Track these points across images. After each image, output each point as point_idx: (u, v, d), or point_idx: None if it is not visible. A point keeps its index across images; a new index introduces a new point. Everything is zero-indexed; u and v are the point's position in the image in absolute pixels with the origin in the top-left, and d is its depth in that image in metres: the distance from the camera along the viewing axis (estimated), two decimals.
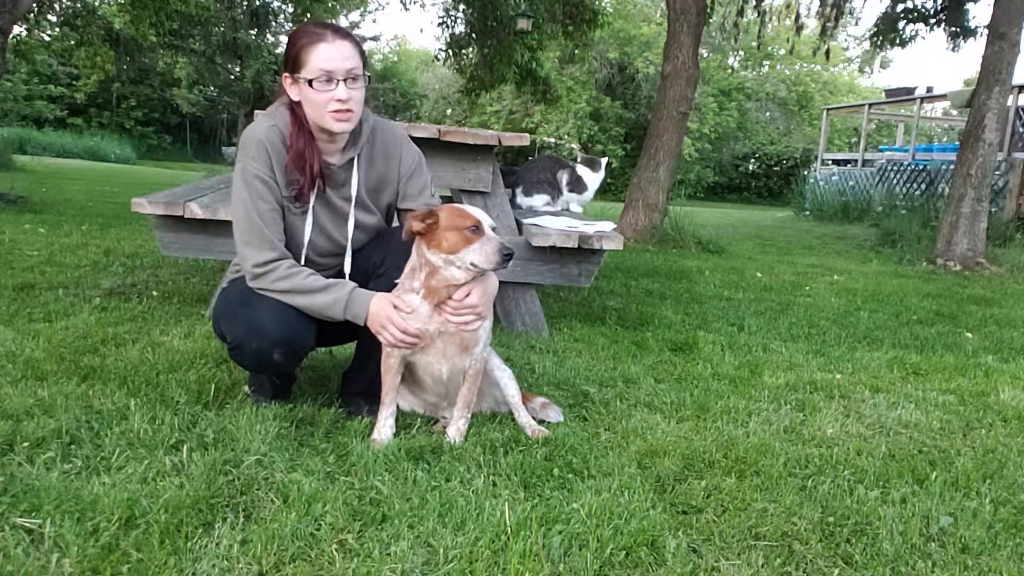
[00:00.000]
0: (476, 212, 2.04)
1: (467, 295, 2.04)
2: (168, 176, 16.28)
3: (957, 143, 9.05)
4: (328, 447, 2.02)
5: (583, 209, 4.71)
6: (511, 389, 2.29)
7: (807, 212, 13.28)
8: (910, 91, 13.97)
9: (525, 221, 3.73)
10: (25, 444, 1.87)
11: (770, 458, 2.12)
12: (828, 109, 16.49)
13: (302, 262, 2.21)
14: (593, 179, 4.60)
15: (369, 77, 2.13)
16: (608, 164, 4.70)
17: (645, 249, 7.27)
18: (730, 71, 30.57)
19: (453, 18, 14.54)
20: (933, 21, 9.90)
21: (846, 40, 32.06)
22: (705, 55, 26.44)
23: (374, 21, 55.49)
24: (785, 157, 29.25)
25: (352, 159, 2.23)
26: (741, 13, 10.29)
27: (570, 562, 1.54)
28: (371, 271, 2.25)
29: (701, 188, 27.04)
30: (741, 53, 30.84)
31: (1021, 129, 10.58)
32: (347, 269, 2.26)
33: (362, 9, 29.34)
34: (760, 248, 8.50)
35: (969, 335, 4.18)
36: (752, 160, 30.20)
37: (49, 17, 15.85)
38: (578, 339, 3.51)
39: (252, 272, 2.10)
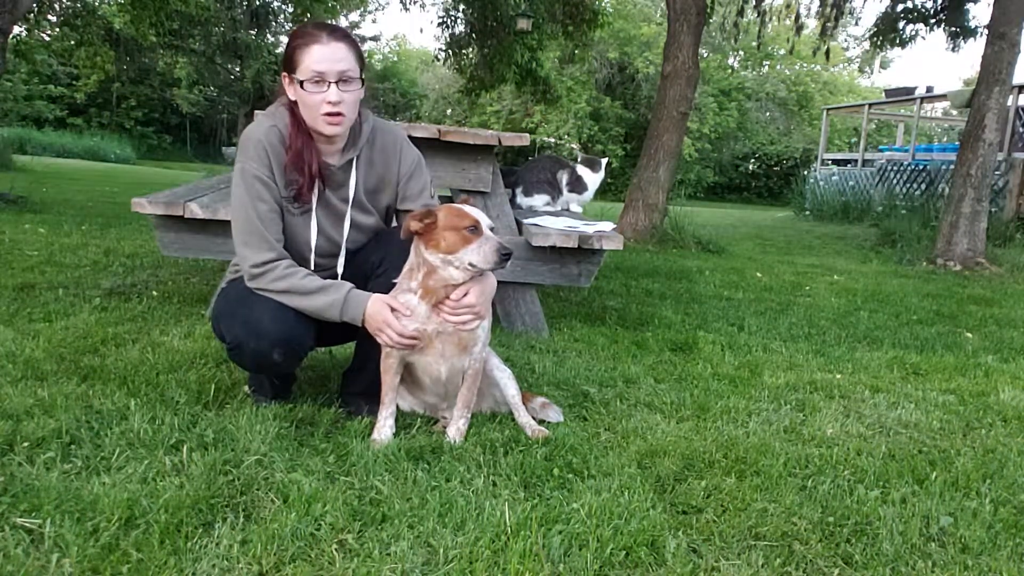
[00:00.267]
0: (474, 212, 2.04)
1: (464, 294, 2.04)
2: (168, 176, 16.28)
3: (957, 143, 9.05)
4: (328, 447, 2.01)
5: (583, 209, 4.71)
6: (511, 389, 2.29)
7: (807, 212, 13.29)
8: (910, 91, 13.98)
9: (525, 221, 3.73)
10: (25, 444, 1.87)
11: (770, 458, 2.12)
12: (828, 109, 16.49)
13: (311, 265, 2.21)
14: (593, 179, 4.60)
15: (363, 80, 2.12)
16: (608, 164, 4.70)
17: (645, 249, 7.27)
18: (730, 71, 30.56)
19: (453, 18, 14.54)
20: (933, 21, 9.90)
21: (846, 40, 32.11)
22: (705, 55, 26.43)
23: (374, 21, 55.48)
24: (785, 157, 29.25)
25: (351, 160, 2.23)
26: (741, 13, 10.29)
27: (570, 562, 1.54)
28: (369, 271, 2.25)
29: (701, 188, 27.04)
30: (741, 53, 30.84)
31: (1021, 129, 10.58)
32: (339, 270, 2.26)
33: (362, 9, 29.35)
34: (760, 248, 8.50)
35: (969, 335, 4.18)
36: (752, 160, 30.20)
37: (49, 17, 15.84)
38: (578, 339, 3.51)
39: (250, 272, 2.10)
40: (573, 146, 26.34)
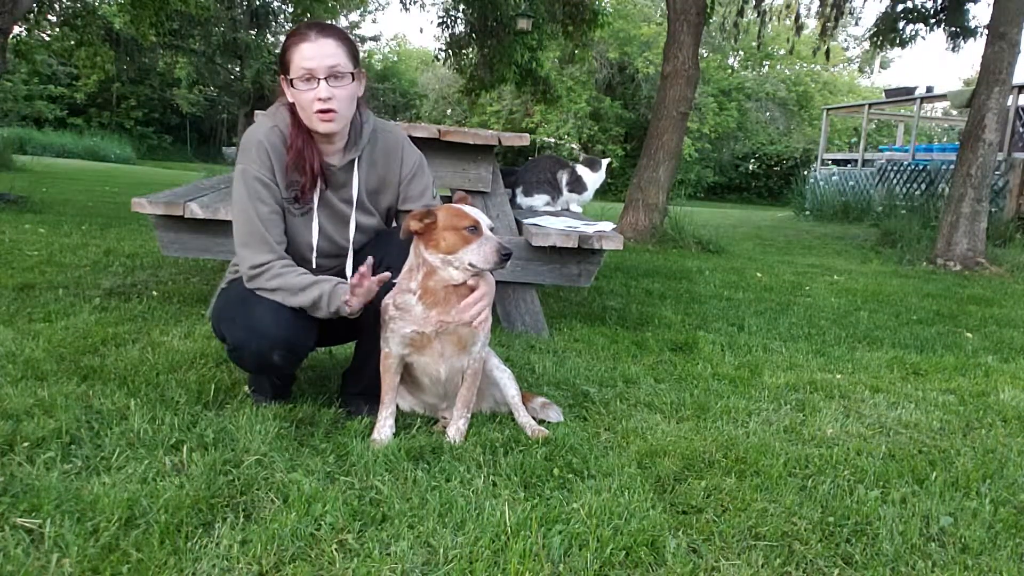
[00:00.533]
0: (474, 212, 2.04)
1: (475, 288, 2.05)
2: (168, 176, 16.28)
3: (957, 143, 9.05)
4: (328, 447, 2.02)
5: (583, 209, 4.71)
6: (511, 389, 2.29)
7: (807, 212, 13.29)
8: (910, 91, 13.97)
9: (525, 221, 3.73)
10: (25, 444, 1.87)
11: (770, 458, 2.12)
12: (828, 109, 16.49)
13: (313, 265, 2.21)
14: (593, 179, 4.60)
15: (354, 75, 2.11)
16: (609, 164, 4.70)
17: (645, 249, 7.27)
18: (730, 71, 30.55)
19: (453, 18, 14.53)
20: (933, 21, 9.89)
21: (846, 40, 32.11)
22: (705, 55, 26.42)
23: (374, 21, 55.56)
24: (785, 157, 29.23)
25: (353, 160, 2.23)
26: (741, 13, 10.30)
27: (570, 562, 1.54)
28: (371, 271, 2.24)
29: (701, 188, 27.02)
30: (741, 53, 30.83)
31: (1021, 129, 10.58)
32: (348, 272, 2.26)
33: (362, 9, 29.37)
34: (760, 248, 8.50)
35: (969, 335, 4.18)
36: (752, 160, 30.18)
37: (49, 17, 15.84)
38: (578, 339, 3.51)
39: (248, 274, 2.11)
40: (573, 146, 26.34)
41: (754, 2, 10.24)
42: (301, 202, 2.18)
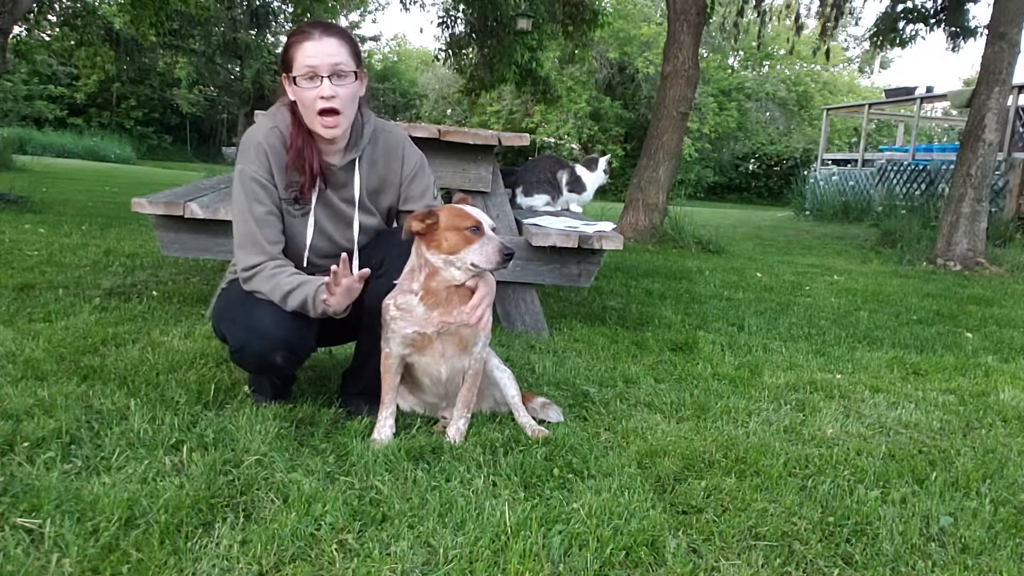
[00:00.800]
0: (475, 212, 2.04)
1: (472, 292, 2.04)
2: (168, 176, 16.28)
3: (957, 143, 9.05)
4: (328, 447, 2.01)
5: (583, 209, 4.71)
6: (511, 389, 2.29)
7: (807, 212, 13.29)
8: (910, 91, 13.98)
9: (525, 221, 3.73)
10: (25, 444, 1.87)
11: (770, 458, 2.12)
12: (828, 109, 16.49)
13: (304, 263, 2.21)
14: (591, 179, 4.60)
15: (356, 74, 2.11)
16: (609, 162, 4.69)
17: (645, 249, 7.27)
18: (730, 71, 30.55)
19: (453, 18, 14.53)
20: (933, 21, 9.89)
21: (846, 40, 32.11)
22: (705, 55, 26.42)
23: (374, 21, 55.56)
24: (785, 157, 29.23)
25: (353, 160, 2.23)
26: (741, 13, 10.30)
27: (570, 562, 1.54)
28: (371, 272, 2.24)
29: (701, 188, 27.02)
30: (741, 53, 30.83)
31: (1021, 129, 10.59)
32: (355, 271, 2.25)
33: (362, 9, 29.36)
34: (760, 248, 8.50)
35: (969, 335, 4.18)
36: (752, 160, 30.17)
37: (49, 17, 15.84)
38: (578, 339, 3.51)
39: (243, 275, 2.11)
40: (573, 146, 26.34)
41: (754, 2, 10.24)
42: (301, 203, 2.18)
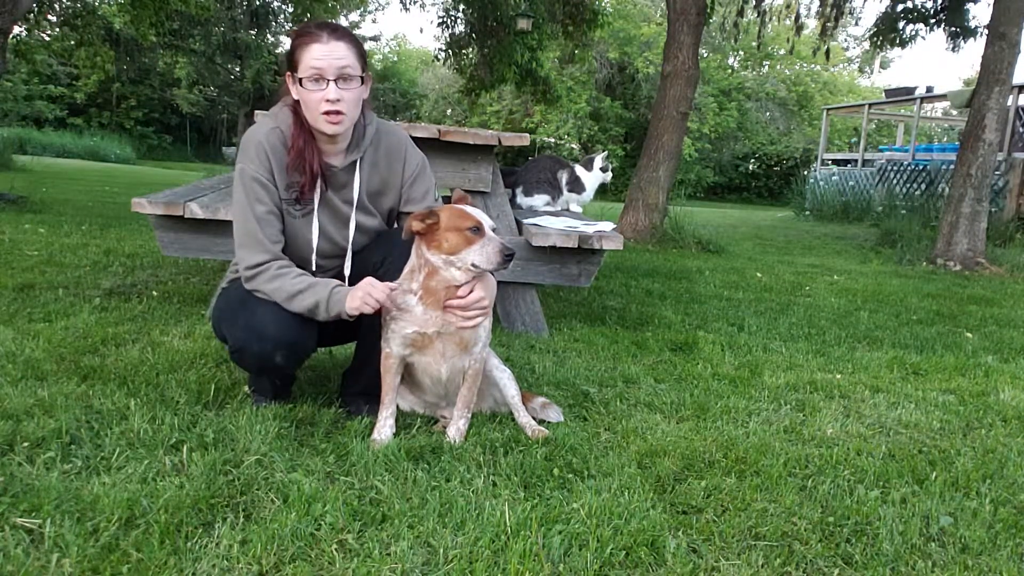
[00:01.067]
0: (476, 212, 2.04)
1: (470, 292, 2.04)
2: (168, 176, 16.28)
3: (957, 143, 9.05)
4: (328, 447, 2.02)
5: (583, 209, 4.71)
6: (511, 389, 2.29)
7: (807, 212, 13.29)
8: (910, 91, 13.98)
9: (525, 221, 3.73)
10: (25, 444, 1.87)
11: (770, 458, 2.12)
12: (828, 109, 16.49)
13: (313, 267, 2.21)
14: (589, 178, 4.59)
15: (362, 78, 2.12)
16: (606, 158, 4.67)
17: (645, 249, 7.27)
18: (730, 71, 30.54)
19: (453, 18, 14.53)
20: (933, 21, 9.90)
21: (846, 40, 32.11)
22: (705, 55, 26.42)
23: (374, 21, 55.47)
24: (785, 157, 29.22)
25: (355, 162, 2.23)
26: (741, 13, 10.30)
27: (570, 562, 1.54)
28: (371, 271, 2.24)
29: (701, 188, 27.00)
30: (741, 53, 30.81)
31: (1021, 129, 10.59)
32: (347, 272, 2.26)
33: (362, 9, 29.36)
34: (760, 248, 8.50)
35: (969, 335, 4.18)
36: (752, 160, 30.16)
37: (49, 17, 15.84)
38: (578, 339, 3.51)
39: (245, 274, 2.11)
40: (573, 146, 26.34)
41: (754, 2, 10.24)
42: (301, 203, 2.18)
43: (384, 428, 2.12)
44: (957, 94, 11.93)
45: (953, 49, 10.75)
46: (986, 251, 7.30)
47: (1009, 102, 9.12)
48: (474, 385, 2.19)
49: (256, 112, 3.25)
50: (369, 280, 2.04)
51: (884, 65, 34.11)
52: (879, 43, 10.54)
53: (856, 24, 37.09)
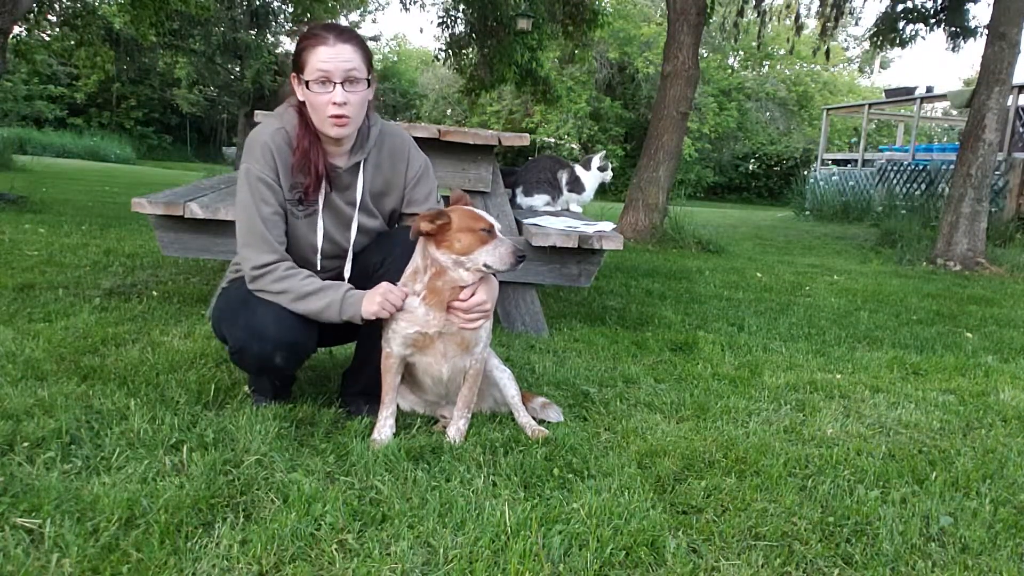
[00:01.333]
0: (485, 214, 2.05)
1: (472, 294, 2.04)
2: (168, 176, 16.29)
3: (957, 143, 9.05)
4: (328, 447, 2.02)
5: (583, 209, 4.71)
6: (511, 389, 2.29)
7: (807, 212, 13.29)
8: (910, 91, 13.99)
9: (525, 221, 3.73)
10: (25, 444, 1.87)
11: (770, 458, 2.12)
12: (828, 109, 16.50)
13: (318, 267, 2.21)
14: (588, 178, 4.59)
15: (368, 81, 2.12)
16: (604, 157, 4.66)
17: (645, 249, 7.27)
18: (730, 71, 30.53)
19: (453, 18, 14.54)
20: (933, 21, 9.90)
21: (846, 40, 32.11)
22: (705, 55, 26.42)
23: (374, 21, 55.43)
24: (785, 157, 29.22)
25: (359, 163, 2.23)
26: (741, 13, 10.30)
27: (570, 562, 1.54)
28: (371, 271, 2.25)
29: (701, 188, 27.00)
30: (741, 53, 30.81)
31: (1021, 129, 10.59)
32: (347, 273, 2.26)
33: (362, 9, 29.33)
34: (760, 248, 8.50)
35: (969, 335, 4.18)
36: (752, 160, 30.16)
37: (49, 17, 15.84)
38: (578, 339, 3.51)
39: (251, 274, 2.10)
40: (573, 146, 26.33)
41: (754, 2, 10.24)
42: (305, 204, 2.18)
43: (384, 428, 2.12)
44: (957, 94, 11.94)
45: (953, 49, 10.75)
46: (986, 251, 7.30)
47: (1009, 102, 9.12)
48: (475, 385, 2.19)
49: (256, 112, 3.25)
50: (387, 285, 2.05)
51: (884, 65, 34.12)
52: (879, 43, 10.54)
53: (856, 24, 37.09)
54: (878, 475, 2.07)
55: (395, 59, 40.95)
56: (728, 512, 1.80)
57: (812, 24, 16.41)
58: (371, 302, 2.04)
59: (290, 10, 25.38)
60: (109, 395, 2.24)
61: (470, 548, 1.54)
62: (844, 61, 33.30)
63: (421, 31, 67.94)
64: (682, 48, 7.62)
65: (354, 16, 30.56)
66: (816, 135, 24.81)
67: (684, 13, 7.59)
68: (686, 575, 1.53)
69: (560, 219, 3.88)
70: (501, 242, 2.01)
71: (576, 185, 4.58)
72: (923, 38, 13.14)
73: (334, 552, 1.51)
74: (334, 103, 2.05)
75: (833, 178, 14.14)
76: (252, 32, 28.45)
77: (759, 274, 6.16)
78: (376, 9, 39.33)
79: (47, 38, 17.46)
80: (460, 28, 14.55)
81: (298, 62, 2.09)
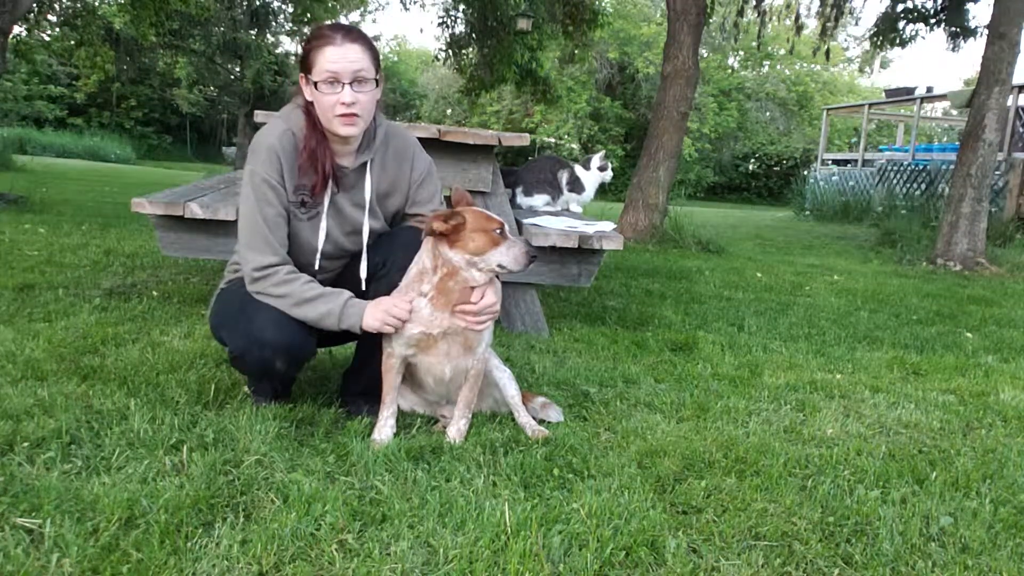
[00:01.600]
0: (494, 215, 2.06)
1: (482, 296, 2.05)
2: (168, 176, 16.28)
3: (957, 143, 9.05)
4: (328, 447, 2.01)
5: (583, 209, 4.71)
6: (511, 389, 2.29)
7: (807, 212, 13.30)
8: (910, 91, 14.00)
9: (525, 221, 3.73)
10: (25, 444, 1.87)
11: (770, 458, 2.12)
12: (828, 109, 16.51)
13: (316, 267, 2.21)
14: (588, 178, 4.59)
15: (376, 80, 2.12)
16: (604, 157, 4.66)
17: (645, 249, 7.27)
18: (730, 71, 30.54)
19: (453, 18, 14.54)
20: (933, 21, 9.90)
21: (846, 40, 32.05)
22: (705, 55, 26.42)
23: (374, 21, 55.56)
24: (785, 157, 29.23)
25: (365, 163, 2.23)
26: (741, 13, 10.30)
27: (570, 562, 1.54)
28: (372, 272, 2.24)
29: (701, 188, 27.01)
30: (741, 53, 30.81)
31: (1021, 129, 10.59)
32: (363, 274, 2.24)
33: (362, 9, 29.32)
34: (760, 248, 8.50)
35: (969, 335, 4.18)
36: (752, 160, 30.17)
37: (49, 17, 15.85)
38: (578, 339, 3.51)
39: (252, 275, 2.09)
40: (573, 146, 26.33)
41: (754, 2, 10.25)
42: (307, 206, 2.18)
43: (384, 428, 2.12)
44: (957, 94, 11.94)
45: (953, 49, 10.75)
46: (986, 251, 7.30)
47: (1009, 102, 9.12)
48: (476, 385, 2.19)
49: (257, 112, 3.25)
50: (389, 300, 2.04)
51: (884, 65, 34.07)
52: (879, 43, 10.54)
53: (856, 24, 37.11)
54: (878, 475, 2.07)
55: (395, 59, 40.94)
56: (728, 512, 1.80)
57: (812, 24, 16.41)
58: (373, 317, 2.04)
59: (290, 10, 25.37)
60: (109, 395, 2.24)
61: (470, 548, 1.54)
62: (844, 61, 33.28)
63: (421, 31, 68.15)
64: (682, 48, 7.62)
65: (354, 16, 30.52)
66: (816, 135, 24.81)
67: (684, 13, 7.59)
68: (686, 575, 1.53)
69: (560, 219, 3.88)
70: (514, 243, 2.01)
71: (576, 185, 4.58)
72: (923, 38, 13.16)
73: (334, 552, 1.51)
74: (343, 103, 2.04)
75: (833, 178, 14.15)
76: (252, 32, 28.43)
77: (759, 274, 6.16)
78: (376, 9, 39.37)
79: (47, 38, 17.47)
80: (460, 28, 14.56)
81: (306, 63, 2.08)
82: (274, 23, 29.22)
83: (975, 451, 2.33)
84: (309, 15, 17.66)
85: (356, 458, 1.94)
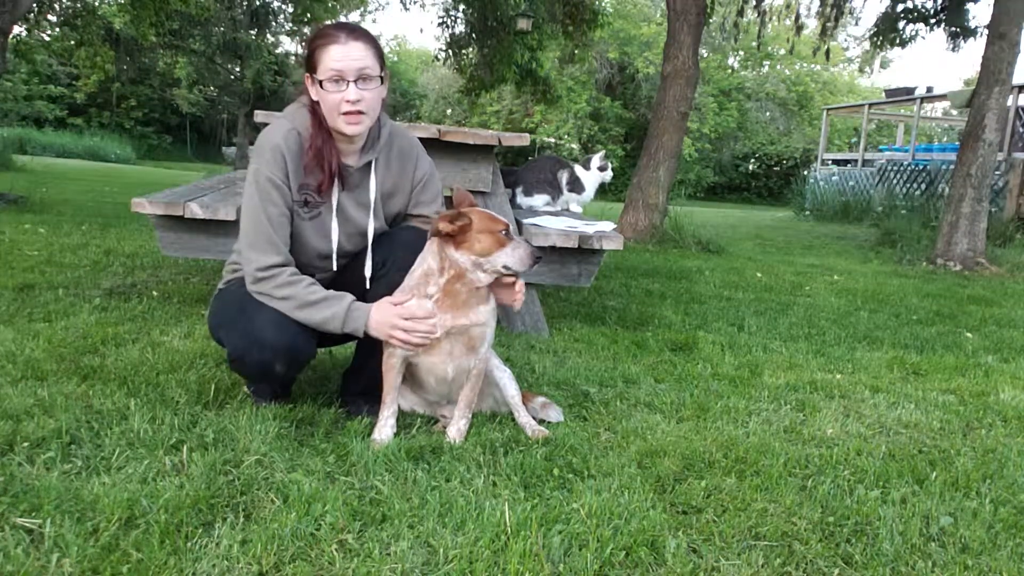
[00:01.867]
0: (500, 216, 2.07)
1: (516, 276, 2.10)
2: (168, 176, 16.28)
3: (957, 143, 9.05)
4: (328, 447, 2.01)
5: (583, 209, 4.71)
6: (511, 389, 2.29)
7: (807, 212, 13.30)
8: (910, 91, 14.00)
9: (525, 221, 3.73)
10: (25, 444, 1.87)
11: (770, 458, 2.12)
12: (828, 109, 16.51)
13: (334, 265, 2.21)
14: (588, 178, 4.59)
15: (381, 78, 2.12)
16: (604, 157, 4.66)
17: (645, 249, 7.27)
18: (730, 71, 30.54)
19: (453, 18, 14.55)
20: (933, 21, 9.90)
21: (846, 40, 32.06)
22: (705, 55, 26.42)
23: (374, 21, 55.42)
24: (785, 157, 29.23)
25: (370, 163, 2.23)
26: (741, 13, 10.30)
27: (570, 562, 1.54)
28: (372, 271, 2.24)
29: (701, 188, 27.01)
30: (741, 53, 30.81)
31: (1021, 129, 10.59)
32: (368, 273, 2.24)
33: (362, 9, 29.32)
34: (760, 248, 8.50)
35: (969, 335, 4.18)
36: (752, 160, 30.17)
37: (49, 17, 15.85)
38: (578, 339, 3.51)
39: (254, 275, 2.09)
40: (573, 146, 26.33)
41: (754, 2, 10.25)
42: (310, 205, 2.18)
43: (385, 428, 2.12)
44: (957, 94, 11.94)
45: (953, 49, 10.76)
46: (986, 251, 7.30)
47: (1009, 102, 9.12)
48: (477, 385, 2.19)
49: (257, 111, 3.25)
50: (407, 324, 2.03)
51: (884, 65, 34.07)
52: (879, 43, 10.54)
53: (856, 24, 37.10)
54: (878, 475, 2.07)
55: (395, 59, 40.94)
56: (728, 512, 1.80)
57: (812, 24, 16.41)
58: (378, 325, 2.03)
59: (290, 10, 25.37)
60: (109, 395, 2.24)
61: (470, 548, 1.54)
62: (844, 61, 33.29)
63: (421, 31, 68.17)
64: (682, 48, 7.62)
65: (354, 16, 30.51)
66: (816, 135, 24.81)
67: (684, 13, 7.59)
68: (686, 575, 1.53)
69: (560, 219, 3.88)
70: (519, 244, 2.01)
71: (576, 185, 4.58)
72: (923, 38, 13.16)
73: (334, 552, 1.51)
74: (348, 101, 2.04)
75: (833, 178, 14.15)
76: (252, 32, 28.43)
77: (759, 274, 6.16)
78: (376, 9, 39.34)
79: (47, 38, 17.47)
80: (460, 28, 14.56)
81: (310, 62, 2.08)
82: (274, 23, 29.22)
83: (975, 451, 2.33)
84: (309, 15, 17.67)
85: (356, 458, 1.93)
